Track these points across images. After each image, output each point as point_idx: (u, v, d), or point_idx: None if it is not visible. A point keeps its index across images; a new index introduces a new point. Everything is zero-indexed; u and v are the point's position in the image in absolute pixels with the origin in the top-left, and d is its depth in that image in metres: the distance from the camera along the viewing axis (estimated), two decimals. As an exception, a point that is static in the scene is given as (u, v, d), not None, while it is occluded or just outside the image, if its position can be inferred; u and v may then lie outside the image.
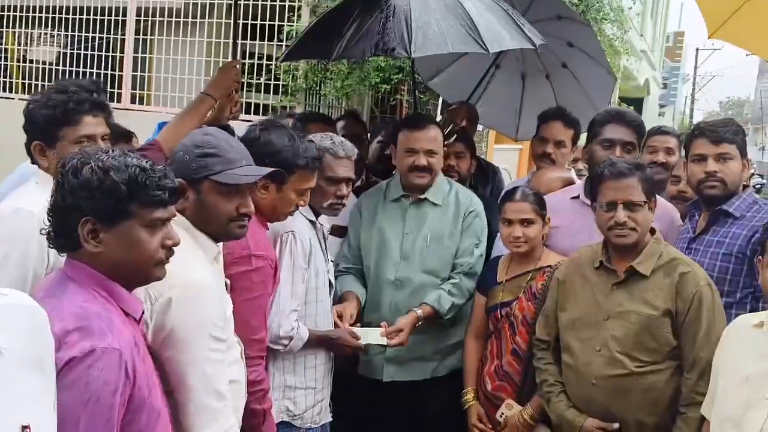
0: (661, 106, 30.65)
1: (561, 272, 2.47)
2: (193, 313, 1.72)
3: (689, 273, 2.23)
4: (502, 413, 2.62)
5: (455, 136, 3.43)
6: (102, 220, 1.45)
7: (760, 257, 1.90)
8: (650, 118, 24.62)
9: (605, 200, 2.31)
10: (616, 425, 2.25)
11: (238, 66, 2.82)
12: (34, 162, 2.05)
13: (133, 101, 7.52)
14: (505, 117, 4.37)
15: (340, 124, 3.48)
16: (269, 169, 2.05)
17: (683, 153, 2.95)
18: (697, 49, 36.92)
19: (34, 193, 1.93)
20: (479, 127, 4.67)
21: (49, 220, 1.49)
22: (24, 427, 1.15)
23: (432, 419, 2.97)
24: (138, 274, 1.53)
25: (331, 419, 2.63)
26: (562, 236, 2.82)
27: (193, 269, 1.76)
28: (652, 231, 2.36)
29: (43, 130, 1.97)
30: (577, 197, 2.83)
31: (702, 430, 2.07)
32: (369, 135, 3.84)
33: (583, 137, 3.17)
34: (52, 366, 1.28)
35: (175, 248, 1.57)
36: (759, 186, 12.30)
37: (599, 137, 2.78)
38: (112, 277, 1.49)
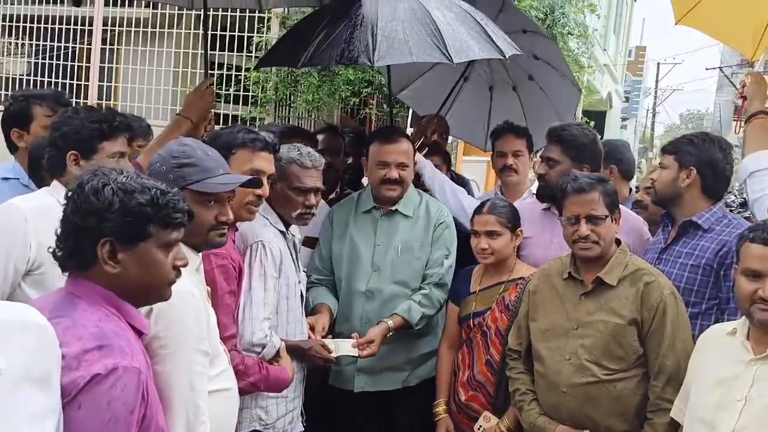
0: (624, 119, 31.26)
1: (532, 283, 2.53)
2: (175, 323, 1.72)
3: (653, 282, 2.29)
4: (480, 426, 2.65)
5: (427, 148, 3.49)
6: (121, 241, 1.46)
7: (736, 266, 1.96)
8: (613, 131, 25.11)
9: (568, 214, 2.38)
10: (586, 431, 2.30)
11: (212, 85, 2.86)
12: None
13: (99, 111, 7.45)
14: (474, 128, 4.44)
15: (319, 137, 3.51)
16: (247, 177, 2.08)
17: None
18: (659, 64, 37.82)
19: (36, 195, 2.05)
20: (449, 139, 4.74)
21: (58, 241, 1.48)
22: None
23: (403, 429, 2.99)
24: (150, 294, 1.55)
25: (303, 429, 2.64)
26: (535, 246, 2.90)
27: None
28: (618, 242, 2.42)
29: (85, 141, 2.08)
30: (549, 208, 2.91)
31: None
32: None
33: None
34: (57, 384, 1.27)
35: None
36: (741, 202, 12.41)
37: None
38: (123, 296, 1.49)
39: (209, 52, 7.12)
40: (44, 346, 1.24)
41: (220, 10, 6.33)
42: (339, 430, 2.99)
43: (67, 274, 1.53)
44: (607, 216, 2.34)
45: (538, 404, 2.43)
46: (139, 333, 1.55)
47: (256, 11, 6.46)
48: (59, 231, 1.48)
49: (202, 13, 3.51)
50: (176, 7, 6.72)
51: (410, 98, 4.56)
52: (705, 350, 2.05)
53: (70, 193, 1.48)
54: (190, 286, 1.80)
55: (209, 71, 3.23)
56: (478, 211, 2.78)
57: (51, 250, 1.50)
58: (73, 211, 1.45)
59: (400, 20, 2.86)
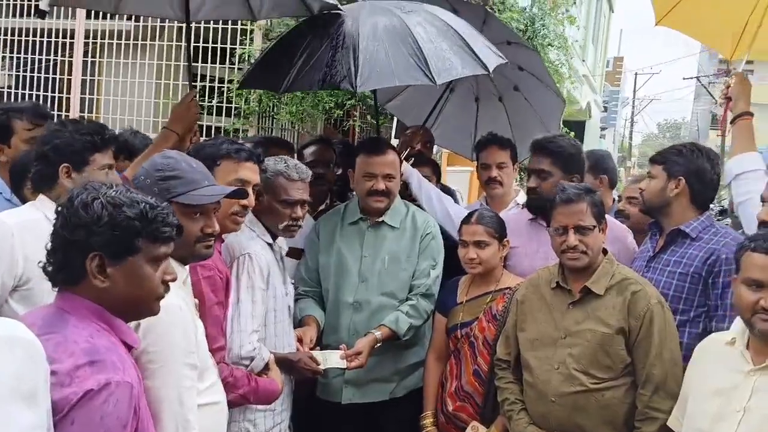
0: (602, 128, 31.61)
1: (520, 293, 2.55)
2: (163, 337, 1.72)
3: (640, 291, 2.32)
4: None
5: (413, 159, 3.52)
6: (110, 255, 1.45)
7: (736, 276, 1.96)
8: (592, 141, 25.37)
9: (556, 225, 2.41)
10: None
11: (196, 98, 2.87)
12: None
13: (80, 124, 7.40)
14: (461, 139, 4.46)
15: (309, 150, 3.52)
16: (232, 188, 2.08)
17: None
18: (636, 74, 38.35)
19: (22, 210, 2.05)
20: (434, 149, 4.77)
21: (48, 255, 1.48)
22: None
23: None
24: (139, 309, 1.54)
25: (291, 441, 2.64)
26: (521, 257, 2.93)
27: None
28: (605, 251, 2.46)
29: (78, 153, 2.10)
30: (535, 218, 2.94)
31: None
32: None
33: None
34: (45, 399, 1.26)
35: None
36: (720, 210, 12.74)
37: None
38: (112, 311, 1.49)
39: (192, 64, 7.12)
40: (32, 361, 1.23)
41: (203, 22, 6.33)
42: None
43: (56, 289, 1.51)
44: (594, 226, 2.37)
45: (527, 414, 2.44)
46: (129, 347, 1.54)
47: (239, 23, 6.47)
48: (49, 246, 1.48)
49: (184, 25, 3.51)
50: (158, 20, 6.71)
51: (397, 108, 4.58)
52: (702, 360, 2.04)
53: (60, 208, 1.48)
54: (177, 300, 1.79)
55: (193, 83, 3.22)
56: (466, 221, 2.80)
57: (41, 264, 1.49)
58: (62, 225, 1.45)
59: (381, 40, 2.85)
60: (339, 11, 3.04)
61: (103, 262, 1.45)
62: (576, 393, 2.30)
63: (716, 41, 3.20)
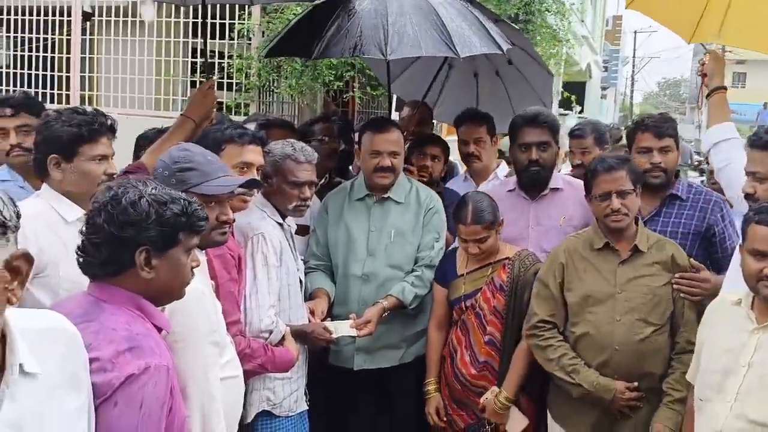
0: (603, 88, 31.46)
1: (560, 257, 2.69)
2: (188, 319, 1.83)
3: (677, 249, 2.63)
4: (486, 398, 2.80)
5: (410, 141, 3.62)
6: (155, 249, 1.55)
7: (741, 244, 2.12)
8: (593, 101, 25.29)
9: (600, 192, 2.59)
10: (636, 384, 2.54)
11: (214, 86, 2.91)
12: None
13: (81, 102, 7.45)
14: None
15: (318, 126, 3.62)
16: (245, 179, 2.19)
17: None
18: (636, 32, 38.00)
19: (29, 203, 2.07)
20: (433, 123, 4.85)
21: (88, 250, 1.55)
22: None
23: (400, 403, 3.13)
24: (172, 295, 1.65)
25: (307, 407, 2.78)
26: (504, 226, 3.06)
27: None
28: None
29: (64, 145, 2.11)
30: (513, 190, 3.10)
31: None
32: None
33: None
34: (87, 385, 1.35)
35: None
36: (697, 163, 12.86)
37: (517, 142, 3.03)
38: (149, 298, 1.59)
39: (191, 39, 7.12)
40: (73, 350, 1.32)
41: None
42: (339, 406, 3.14)
43: (76, 274, 1.59)
44: (633, 190, 2.58)
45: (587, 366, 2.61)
46: (159, 330, 1.64)
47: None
48: (86, 241, 1.56)
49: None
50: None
51: (398, 88, 4.65)
52: (712, 320, 2.21)
53: (101, 205, 1.55)
54: (198, 283, 1.90)
55: (195, 62, 3.27)
56: (462, 221, 2.81)
57: (78, 260, 1.57)
58: (107, 221, 1.53)
59: (409, 15, 3.01)
60: None
61: (149, 255, 1.55)
62: (639, 341, 2.52)
63: (677, 25, 3.36)
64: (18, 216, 1.17)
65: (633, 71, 38.79)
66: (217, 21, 6.75)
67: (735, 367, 2.04)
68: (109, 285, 1.56)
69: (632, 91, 40.35)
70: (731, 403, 2.02)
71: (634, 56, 38.33)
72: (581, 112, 19.28)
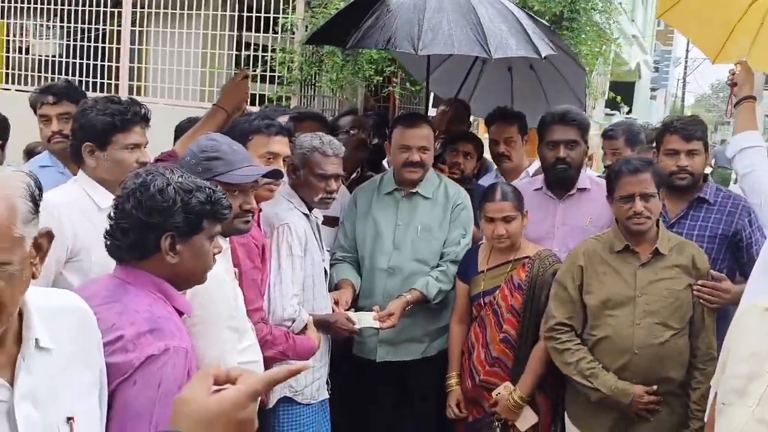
0: (653, 89, 30.76)
1: (579, 260, 2.68)
2: (207, 303, 1.89)
3: (698, 251, 2.62)
4: (499, 392, 2.82)
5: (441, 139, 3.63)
6: (180, 235, 1.62)
7: None
8: (642, 102, 24.74)
9: (623, 193, 2.58)
10: (655, 387, 2.54)
11: (248, 77, 2.97)
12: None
13: (130, 92, 7.65)
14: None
15: (347, 119, 3.65)
16: (267, 169, 2.25)
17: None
18: (689, 33, 36.95)
19: (65, 189, 2.17)
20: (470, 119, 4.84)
21: (116, 234, 1.62)
22: (69, 419, 1.25)
23: (419, 397, 3.16)
24: (195, 279, 1.72)
25: (328, 395, 2.83)
26: (529, 224, 3.05)
27: None
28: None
29: (99, 133, 2.19)
30: (540, 189, 3.09)
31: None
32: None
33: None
34: (99, 362, 1.40)
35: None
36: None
37: (545, 139, 3.03)
38: (172, 282, 1.65)
39: (236, 32, 7.24)
40: (85, 326, 1.36)
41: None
42: (360, 397, 3.18)
43: (107, 259, 1.66)
44: (656, 194, 2.57)
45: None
46: (180, 313, 1.70)
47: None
48: (114, 225, 1.62)
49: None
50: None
51: (432, 85, 4.66)
52: (741, 325, 2.16)
53: (129, 191, 1.62)
54: (219, 269, 1.96)
55: (240, 55, 3.36)
56: (490, 199, 2.85)
57: (106, 243, 1.64)
58: (135, 207, 1.60)
59: (446, 12, 3.05)
60: None
61: (174, 241, 1.62)
62: (659, 344, 2.52)
63: (703, 43, 3.31)
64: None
65: (685, 73, 37.80)
66: (262, 15, 6.86)
67: (759, 372, 2.00)
68: (135, 268, 1.63)
69: (684, 93, 39.29)
70: (753, 408, 1.98)
71: (686, 57, 37.33)
72: (629, 112, 18.88)
